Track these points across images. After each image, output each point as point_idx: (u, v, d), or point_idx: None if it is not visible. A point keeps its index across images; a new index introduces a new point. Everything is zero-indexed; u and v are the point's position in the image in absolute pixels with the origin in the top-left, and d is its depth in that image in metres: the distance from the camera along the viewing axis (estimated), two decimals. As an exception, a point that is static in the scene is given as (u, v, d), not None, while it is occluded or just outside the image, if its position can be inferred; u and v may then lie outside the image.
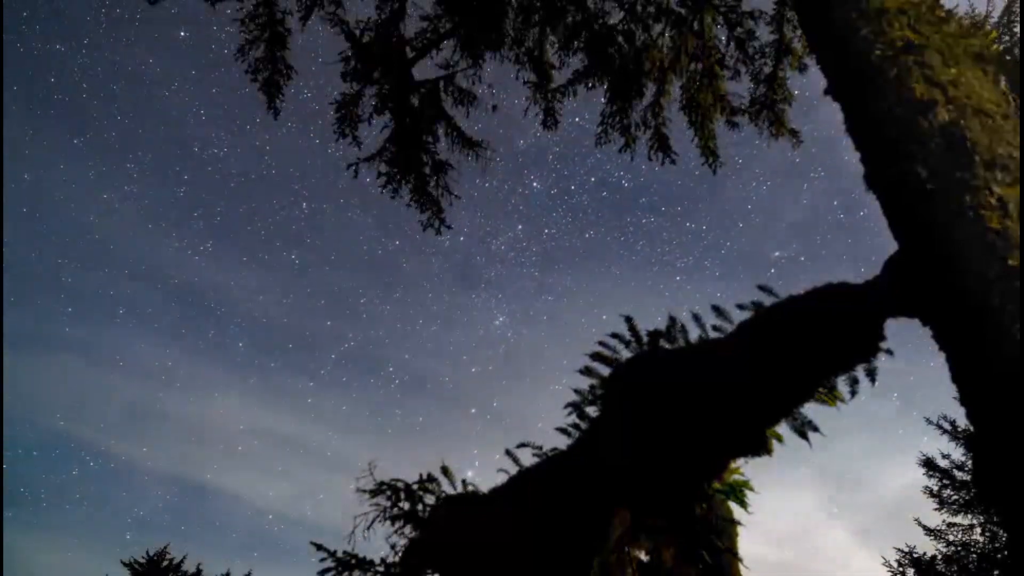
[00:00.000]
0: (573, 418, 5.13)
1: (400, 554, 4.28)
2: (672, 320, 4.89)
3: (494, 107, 7.28)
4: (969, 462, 14.34)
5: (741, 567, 4.66)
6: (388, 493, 4.49)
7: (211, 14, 6.79)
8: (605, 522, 3.74)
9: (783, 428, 4.56)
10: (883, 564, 14.85)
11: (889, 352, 3.66)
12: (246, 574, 18.96)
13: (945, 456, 14.89)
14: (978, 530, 14.13)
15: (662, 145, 7.61)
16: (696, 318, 4.70)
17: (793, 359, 3.41)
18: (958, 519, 14.41)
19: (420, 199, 7.51)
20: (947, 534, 14.42)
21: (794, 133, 7.60)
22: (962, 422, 14.13)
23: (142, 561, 17.77)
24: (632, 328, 5.05)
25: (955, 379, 2.14)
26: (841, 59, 2.69)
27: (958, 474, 14.61)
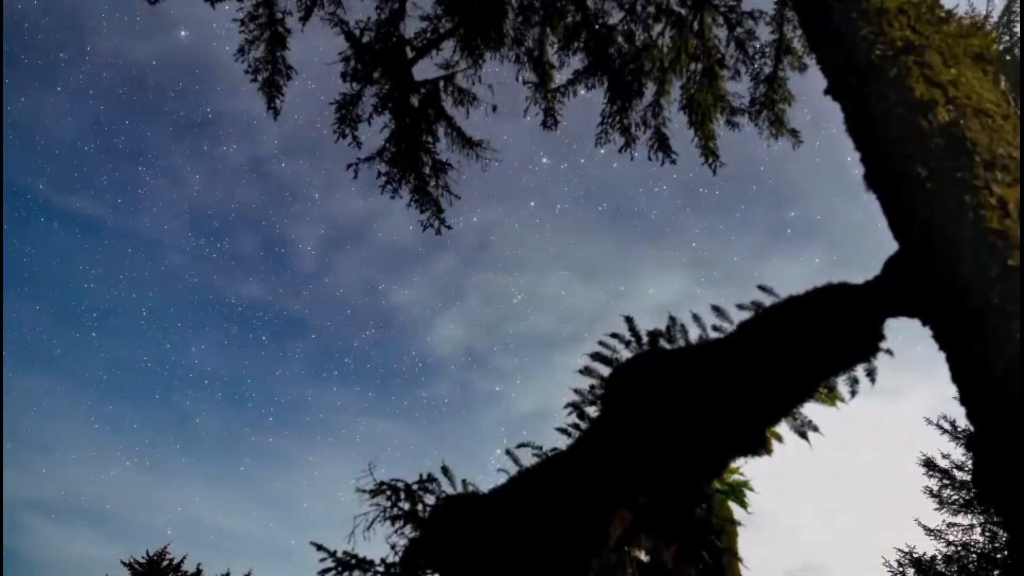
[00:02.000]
0: (573, 418, 5.14)
1: (400, 554, 4.28)
2: (672, 320, 4.89)
3: (494, 107, 7.27)
4: (969, 462, 14.34)
5: (741, 567, 4.67)
6: (388, 493, 4.48)
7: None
8: (605, 522, 3.73)
9: (783, 428, 4.57)
10: (883, 564, 14.85)
11: (889, 352, 3.66)
12: (246, 574, 18.99)
13: (945, 456, 14.90)
14: (978, 530, 14.15)
15: (662, 145, 7.62)
16: (696, 318, 4.71)
17: (793, 359, 3.41)
18: (958, 519, 14.42)
19: (420, 199, 7.50)
20: (947, 534, 14.43)
21: (794, 133, 7.61)
22: (962, 422, 14.14)
23: (142, 561, 17.79)
24: (632, 328, 5.06)
25: (955, 379, 2.14)
26: (841, 59, 2.69)
27: (958, 474, 14.62)
